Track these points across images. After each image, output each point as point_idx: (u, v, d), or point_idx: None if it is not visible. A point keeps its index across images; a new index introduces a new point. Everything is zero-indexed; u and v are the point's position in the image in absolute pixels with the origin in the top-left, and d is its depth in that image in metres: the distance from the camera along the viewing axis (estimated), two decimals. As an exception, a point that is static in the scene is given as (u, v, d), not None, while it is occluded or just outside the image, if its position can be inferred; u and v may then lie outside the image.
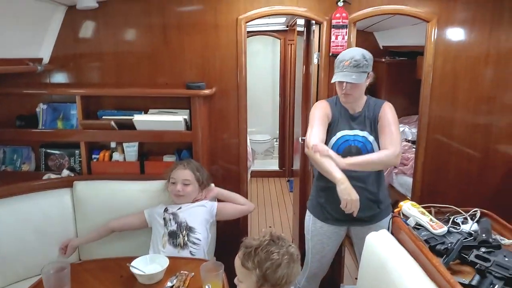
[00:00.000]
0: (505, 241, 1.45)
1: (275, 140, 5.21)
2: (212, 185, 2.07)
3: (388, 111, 1.80)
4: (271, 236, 1.18)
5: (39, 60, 2.04)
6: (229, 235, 2.30)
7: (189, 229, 1.81)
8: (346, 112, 1.81)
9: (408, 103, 3.68)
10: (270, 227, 3.55)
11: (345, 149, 1.77)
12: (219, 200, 2.01)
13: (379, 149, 1.77)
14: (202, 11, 2.09)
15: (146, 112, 2.12)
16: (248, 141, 4.12)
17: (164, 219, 1.84)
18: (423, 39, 2.13)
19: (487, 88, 2.14)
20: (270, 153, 5.33)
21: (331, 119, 1.80)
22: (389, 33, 3.75)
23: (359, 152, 1.76)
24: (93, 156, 2.16)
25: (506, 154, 2.21)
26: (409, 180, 2.36)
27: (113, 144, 2.17)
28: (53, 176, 2.11)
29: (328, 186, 1.80)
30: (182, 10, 2.10)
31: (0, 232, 1.84)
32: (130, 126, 2.06)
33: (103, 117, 2.09)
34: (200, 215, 1.87)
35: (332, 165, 1.65)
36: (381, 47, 4.11)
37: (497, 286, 1.15)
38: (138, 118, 2.02)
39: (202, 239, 1.81)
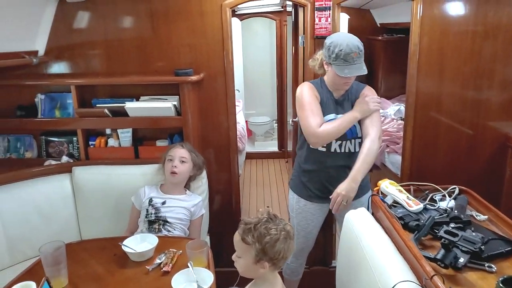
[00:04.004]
0: (480, 217, 1.51)
1: (274, 121, 5.24)
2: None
3: (368, 94, 1.83)
4: (269, 214, 1.27)
5: (35, 53, 2.12)
6: (223, 214, 2.41)
7: (166, 222, 1.89)
8: (331, 96, 1.83)
9: (405, 81, 3.68)
10: (268, 206, 3.64)
11: None
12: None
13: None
14: (187, -2, 2.12)
15: (138, 99, 2.19)
16: (243, 123, 4.18)
17: (147, 210, 1.92)
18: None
19: (475, 65, 2.13)
20: (270, 135, 5.37)
21: (320, 101, 1.82)
22: (386, 10, 3.69)
23: (344, 136, 1.81)
24: (90, 142, 2.25)
25: (495, 130, 2.22)
26: (400, 158, 2.39)
27: (108, 131, 2.25)
28: (53, 162, 2.21)
29: (312, 169, 1.89)
30: (168, -3, 2.13)
31: (6, 215, 1.97)
32: (123, 113, 2.13)
33: (97, 105, 2.17)
34: (180, 215, 1.93)
35: (339, 120, 1.76)
36: (378, 25, 4.05)
37: (462, 259, 1.20)
38: (130, 106, 2.10)
39: (176, 234, 1.89)
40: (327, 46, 1.71)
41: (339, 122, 1.76)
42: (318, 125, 1.73)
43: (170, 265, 1.52)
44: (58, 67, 2.25)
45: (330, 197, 1.73)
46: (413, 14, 2.08)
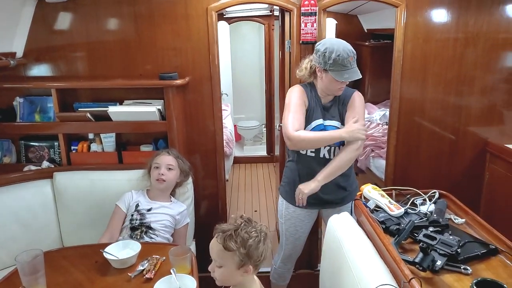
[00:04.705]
0: (458, 220, 1.53)
1: (263, 126, 5.25)
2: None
3: (356, 100, 1.84)
4: (243, 218, 1.25)
5: (13, 54, 2.07)
6: (209, 220, 2.39)
7: (150, 228, 1.86)
8: (319, 101, 1.83)
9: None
10: (255, 211, 3.64)
11: None
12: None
13: None
14: (172, 1, 2.10)
15: (121, 103, 2.17)
16: (231, 128, 4.16)
17: (132, 215, 1.88)
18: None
19: (456, 71, 2.17)
20: (259, 139, 5.37)
21: (307, 107, 1.82)
22: (373, 16, 3.75)
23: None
24: (72, 147, 2.21)
25: (475, 135, 2.27)
26: (385, 163, 2.42)
27: (91, 135, 2.22)
28: (33, 167, 2.16)
29: (302, 175, 1.87)
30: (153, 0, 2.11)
31: (-17, 223, 1.91)
32: (106, 117, 2.10)
33: (79, 109, 2.13)
34: (165, 223, 1.90)
35: (322, 133, 1.76)
36: (366, 30, 4.11)
37: (439, 262, 1.22)
38: (113, 110, 2.07)
39: (159, 241, 1.86)
40: (321, 52, 1.69)
41: (320, 136, 1.76)
42: (295, 129, 1.73)
43: (153, 271, 1.50)
44: (38, 70, 2.21)
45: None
46: (397, 21, 2.11)
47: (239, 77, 5.25)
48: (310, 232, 2.09)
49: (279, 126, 2.65)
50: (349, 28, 4.07)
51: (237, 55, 5.16)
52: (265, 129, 5.11)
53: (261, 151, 5.08)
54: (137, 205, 1.91)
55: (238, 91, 5.20)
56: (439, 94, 2.22)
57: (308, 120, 1.81)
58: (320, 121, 1.81)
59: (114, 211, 1.94)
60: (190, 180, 2.14)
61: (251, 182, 4.37)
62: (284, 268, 2.13)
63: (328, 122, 1.82)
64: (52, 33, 2.14)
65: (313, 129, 1.80)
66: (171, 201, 1.99)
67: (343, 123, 1.83)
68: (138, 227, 1.85)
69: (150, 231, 1.86)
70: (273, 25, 4.48)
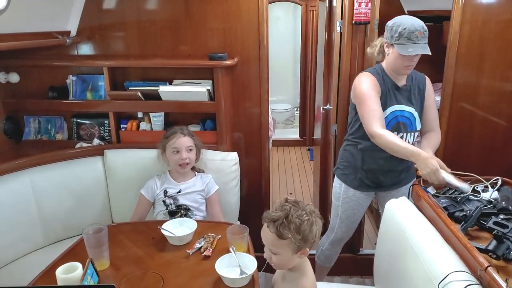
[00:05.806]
0: (526, 209, 1.47)
1: (295, 109, 5.21)
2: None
3: (431, 88, 1.86)
4: (290, 202, 1.22)
5: (67, 33, 2.11)
6: (252, 201, 2.41)
7: (188, 210, 1.89)
8: (393, 84, 1.79)
9: (433, 70, 3.57)
10: (290, 193, 3.65)
11: (394, 126, 1.78)
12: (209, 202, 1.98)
13: (420, 126, 1.86)
14: (223, -20, 2.07)
15: (170, 83, 2.17)
16: (270, 111, 4.14)
17: (164, 201, 1.90)
18: (451, 3, 2.05)
19: (517, 55, 2.07)
20: (291, 122, 5.34)
21: (380, 95, 1.76)
22: (416, -4, 3.58)
23: (405, 128, 1.79)
24: (122, 125, 2.25)
25: (533, 123, 2.16)
26: (432, 149, 2.36)
27: (140, 114, 2.24)
28: (84, 144, 2.22)
29: (369, 161, 1.85)
30: (204, -21, 2.09)
31: (40, 196, 1.99)
32: (155, 96, 2.12)
33: (130, 88, 2.15)
34: (197, 199, 1.93)
35: (403, 143, 1.65)
36: (406, 12, 3.94)
37: (514, 251, 1.19)
38: (164, 89, 2.08)
39: (199, 218, 1.89)
40: (389, 27, 1.70)
41: (401, 146, 1.63)
42: (379, 125, 1.67)
43: (210, 249, 1.53)
44: (90, 48, 2.23)
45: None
46: (455, 1, 2.01)
47: (272, 60, 5.18)
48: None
49: (322, 109, 2.62)
50: (388, 9, 3.86)
51: (271, 37, 5.08)
52: (297, 112, 5.07)
53: (293, 134, 5.06)
54: (165, 192, 1.92)
55: (270, 74, 5.15)
56: (496, 79, 2.12)
57: (382, 107, 1.75)
58: (394, 108, 1.78)
59: (139, 199, 1.94)
60: (237, 159, 2.14)
61: (284, 165, 4.37)
62: (332, 251, 2.13)
63: (401, 107, 1.79)
64: (104, 12, 2.15)
65: (388, 116, 1.77)
66: (195, 175, 1.98)
67: (417, 109, 1.82)
68: (177, 211, 1.88)
69: (189, 212, 1.89)
70: (312, 6, 4.36)
